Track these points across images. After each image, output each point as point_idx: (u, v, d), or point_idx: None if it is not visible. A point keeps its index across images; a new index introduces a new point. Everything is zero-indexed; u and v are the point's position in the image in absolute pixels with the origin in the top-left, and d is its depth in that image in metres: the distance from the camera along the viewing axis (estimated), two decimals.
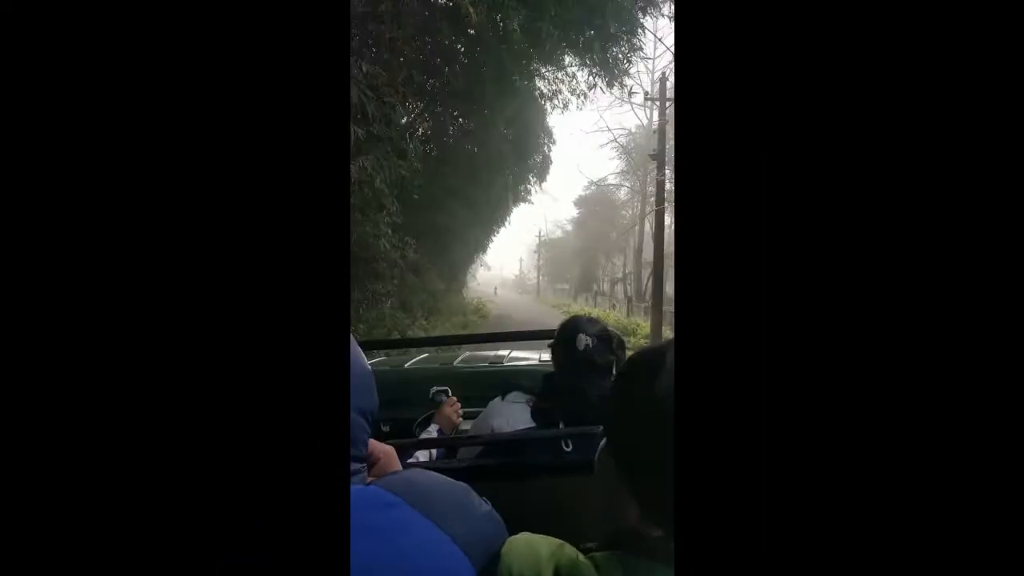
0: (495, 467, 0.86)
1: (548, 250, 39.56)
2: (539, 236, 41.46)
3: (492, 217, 12.64)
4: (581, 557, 0.38)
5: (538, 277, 42.01)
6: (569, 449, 0.89)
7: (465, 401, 1.21)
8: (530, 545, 0.40)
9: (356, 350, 0.47)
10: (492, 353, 1.94)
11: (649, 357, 0.39)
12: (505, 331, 1.28)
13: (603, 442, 0.43)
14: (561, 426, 0.94)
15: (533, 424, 0.95)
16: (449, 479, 0.45)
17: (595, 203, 27.76)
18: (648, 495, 0.37)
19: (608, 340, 0.96)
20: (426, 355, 1.93)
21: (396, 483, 0.41)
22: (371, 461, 0.52)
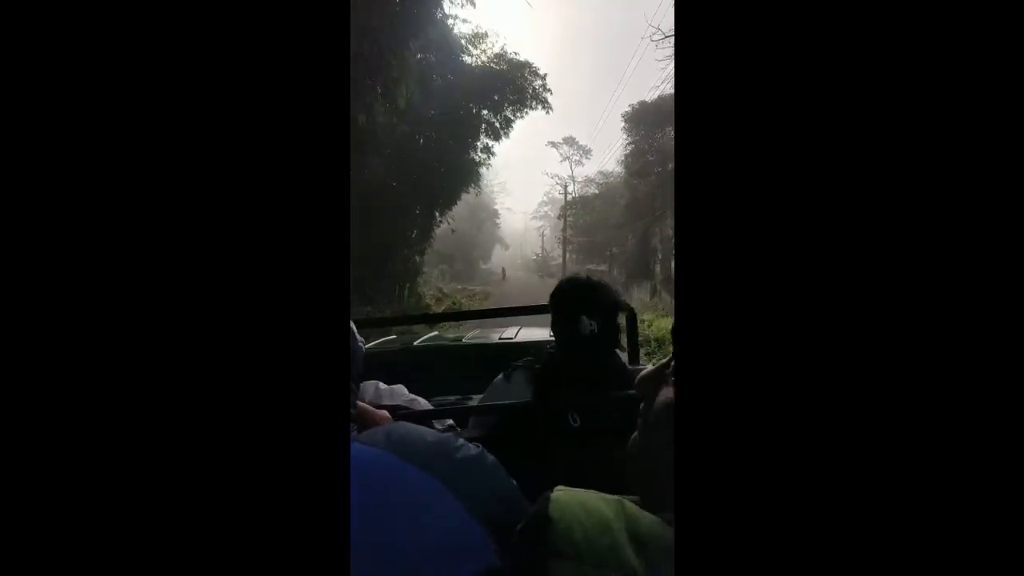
0: (501, 439, 0.85)
1: (578, 214, 27.21)
2: (565, 193, 29.13)
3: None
4: (648, 515, 0.36)
5: (564, 254, 29.88)
6: (576, 424, 0.86)
7: (474, 379, 1.23)
8: (585, 506, 0.36)
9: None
10: (502, 331, 1.98)
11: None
12: (509, 306, 1.27)
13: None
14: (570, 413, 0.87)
15: (538, 399, 0.92)
16: (430, 430, 0.47)
17: (655, 121, 15.65)
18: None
19: (613, 317, 0.88)
20: (435, 333, 2.08)
21: (376, 436, 0.44)
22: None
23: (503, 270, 32.81)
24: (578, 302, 0.89)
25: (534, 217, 60.71)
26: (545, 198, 61.37)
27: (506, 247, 52.11)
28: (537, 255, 46.69)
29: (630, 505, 0.37)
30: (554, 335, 0.95)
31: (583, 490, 0.39)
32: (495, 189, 57.06)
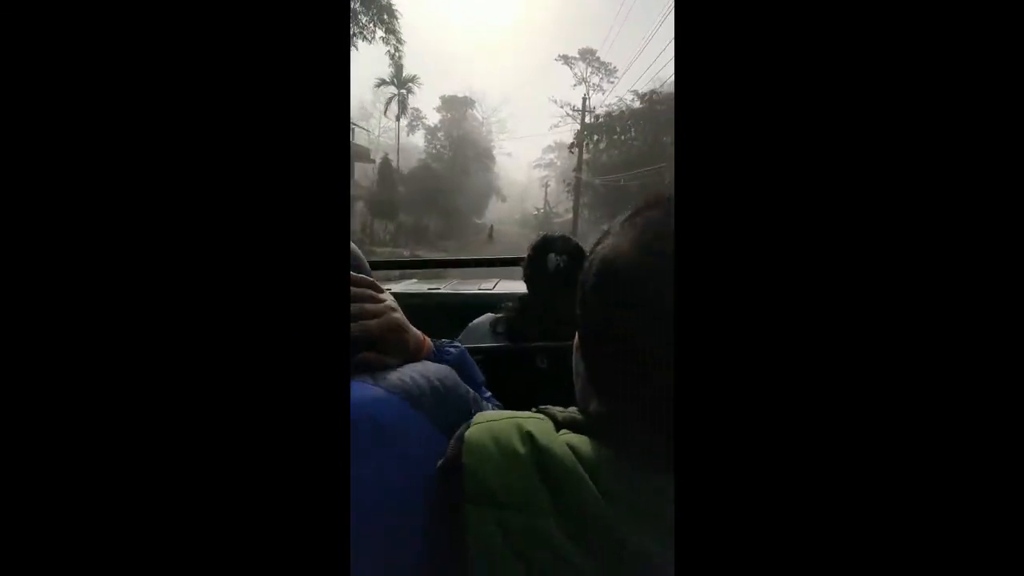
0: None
1: (597, 153, 19.37)
2: (583, 115, 21.10)
3: None
4: (555, 440, 0.37)
5: (576, 206, 22.11)
6: (544, 366, 0.91)
7: (450, 327, 1.23)
8: (499, 442, 0.37)
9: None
10: (479, 283, 2.05)
11: (615, 252, 0.38)
12: (479, 257, 1.39)
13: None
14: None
15: (509, 343, 0.99)
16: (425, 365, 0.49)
17: None
18: (603, 382, 0.39)
19: (580, 258, 0.92)
20: (414, 280, 2.14)
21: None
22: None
23: (490, 228, 25.23)
24: (548, 242, 0.98)
25: (537, 165, 52.22)
26: (552, 143, 52.85)
27: (503, 199, 44.18)
28: (539, 210, 38.80)
29: (543, 433, 0.37)
30: (525, 276, 1.00)
31: (500, 419, 0.38)
32: (492, 128, 48.75)
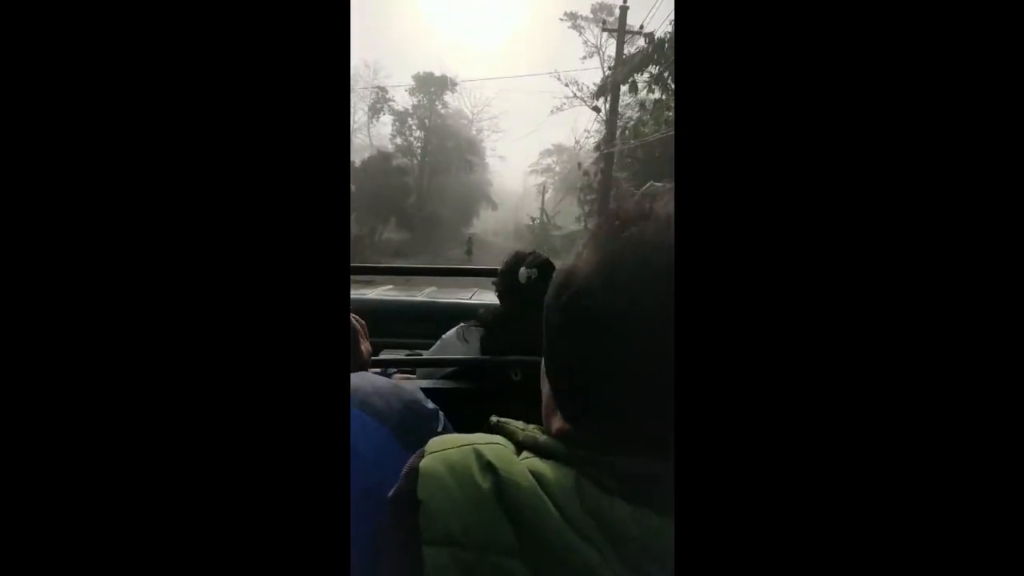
0: (446, 391, 0.94)
1: (627, 155, 12.93)
2: (600, 100, 14.93)
3: None
4: (516, 467, 0.34)
5: (583, 214, 16.01)
6: (518, 378, 0.98)
7: (425, 333, 1.38)
8: (455, 472, 0.34)
9: None
10: (455, 292, 2.21)
11: (575, 272, 0.37)
12: (455, 266, 1.37)
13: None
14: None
15: (483, 355, 1.03)
16: (382, 378, 0.49)
17: None
18: (568, 402, 0.38)
19: (550, 270, 0.97)
20: (390, 287, 2.39)
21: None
22: None
23: (469, 241, 19.05)
24: (520, 257, 1.03)
25: (533, 171, 46.50)
26: (551, 147, 46.97)
27: (494, 207, 38.08)
28: (534, 220, 32.63)
29: (504, 461, 0.35)
30: (497, 291, 1.05)
31: (457, 446, 0.36)
32: (483, 127, 42.98)
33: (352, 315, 0.59)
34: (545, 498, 0.32)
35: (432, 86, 29.60)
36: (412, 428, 0.43)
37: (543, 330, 0.40)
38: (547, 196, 35.38)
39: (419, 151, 29.07)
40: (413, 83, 29.65)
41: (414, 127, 28.49)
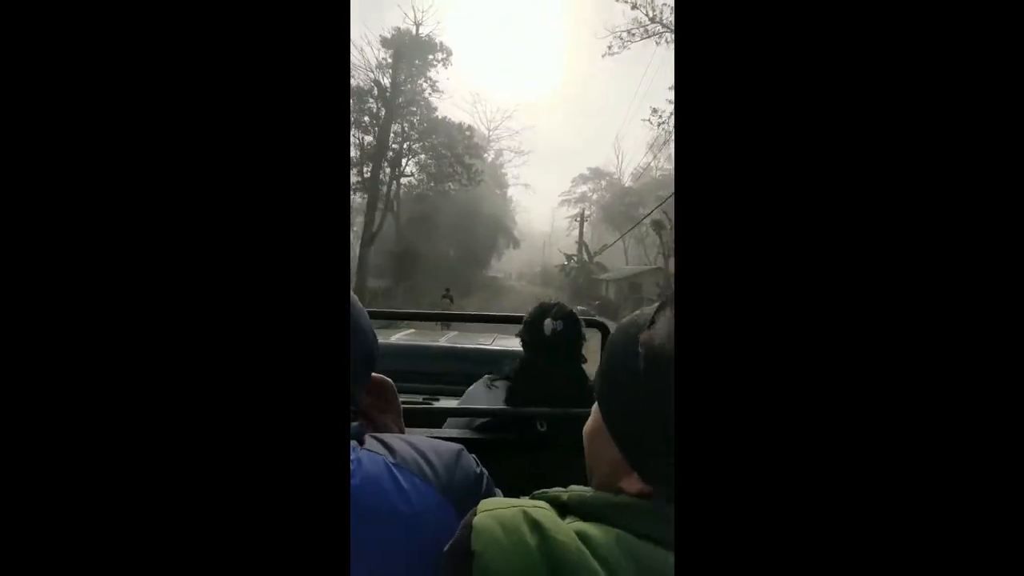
0: (474, 441, 0.94)
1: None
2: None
3: None
4: (562, 529, 0.37)
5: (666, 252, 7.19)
6: (543, 429, 0.95)
7: (448, 378, 1.38)
8: (506, 529, 0.37)
9: (357, 306, 0.52)
10: (476, 337, 2.12)
11: (633, 328, 0.40)
12: (478, 312, 1.07)
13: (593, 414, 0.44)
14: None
15: (507, 406, 1.02)
16: (439, 440, 0.50)
17: None
18: (650, 464, 0.38)
19: (575, 323, 0.97)
20: (412, 331, 2.16)
21: (377, 446, 0.46)
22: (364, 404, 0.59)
23: (447, 295, 10.42)
24: (545, 309, 1.01)
25: (564, 201, 39.19)
26: (587, 171, 39.68)
27: (515, 244, 30.56)
28: (570, 260, 24.60)
29: (549, 521, 0.37)
30: (522, 341, 1.03)
31: (508, 508, 0.39)
32: (501, 153, 36.28)
33: (383, 377, 0.61)
34: (590, 557, 0.35)
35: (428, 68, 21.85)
36: (461, 490, 0.45)
37: (603, 390, 0.42)
38: (587, 224, 27.65)
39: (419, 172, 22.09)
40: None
41: (412, 131, 21.26)
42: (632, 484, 0.39)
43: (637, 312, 0.42)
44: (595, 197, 34.49)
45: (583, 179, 37.08)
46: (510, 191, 34.04)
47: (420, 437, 0.50)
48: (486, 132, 32.46)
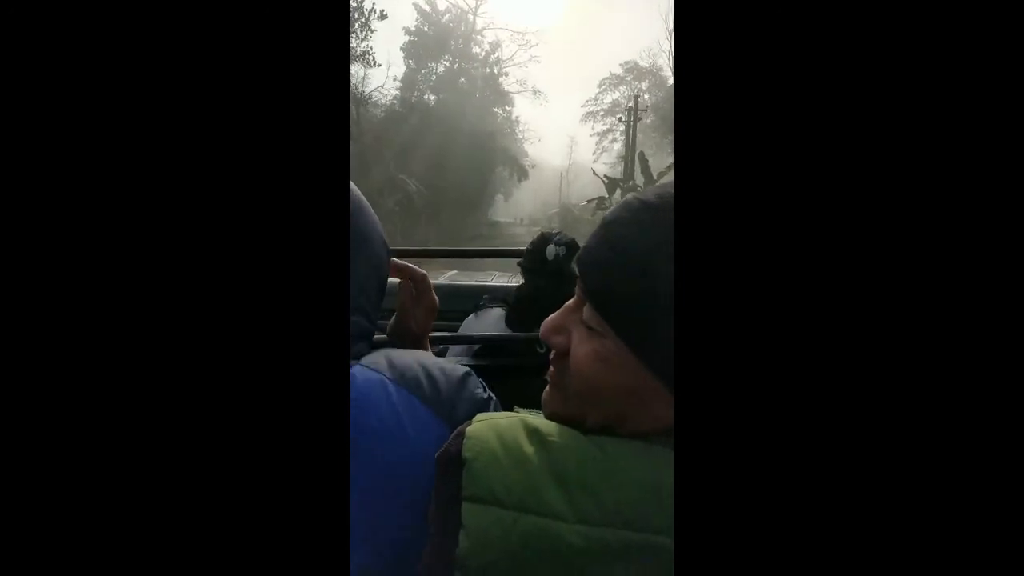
0: (475, 367, 0.91)
1: None
2: None
3: None
4: (570, 434, 0.35)
5: None
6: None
7: (450, 315, 1.31)
8: (503, 439, 0.35)
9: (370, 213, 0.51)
10: (474, 274, 2.24)
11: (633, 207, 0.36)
12: (482, 248, 1.57)
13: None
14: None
15: (507, 331, 1.03)
16: (447, 361, 0.49)
17: None
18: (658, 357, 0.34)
19: (576, 249, 0.96)
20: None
21: (379, 361, 0.44)
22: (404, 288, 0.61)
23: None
24: (547, 236, 1.01)
25: (589, 113, 28.83)
26: (620, 70, 28.90)
27: (523, 175, 21.29)
28: (614, 187, 15.14)
29: (553, 432, 0.35)
30: (523, 267, 1.04)
31: (505, 418, 0.37)
32: (499, 45, 25.97)
33: (410, 264, 0.61)
34: (602, 457, 0.33)
35: None
36: (466, 414, 0.42)
37: (634, 319, 0.35)
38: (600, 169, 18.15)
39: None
40: None
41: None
42: (665, 409, 0.34)
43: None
44: (643, 99, 24.44)
45: (615, 81, 26.84)
46: (515, 105, 24.29)
47: (428, 355, 0.48)
48: (470, 8, 22.35)
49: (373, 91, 18.52)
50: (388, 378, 0.42)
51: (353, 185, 0.48)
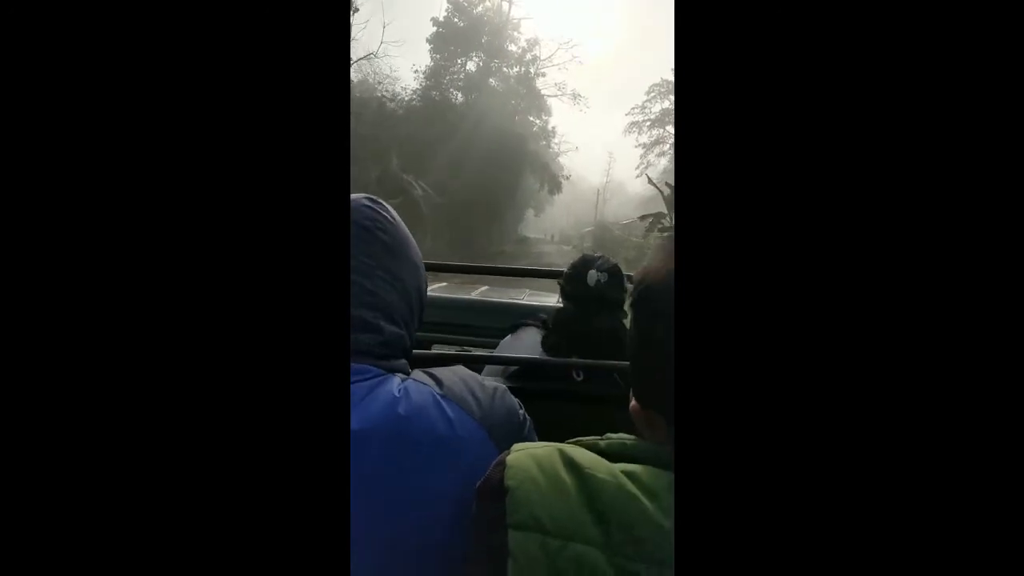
0: (511, 390, 0.88)
1: None
2: None
3: None
4: (603, 467, 0.36)
5: None
6: (580, 378, 0.96)
7: (482, 331, 1.42)
8: (543, 469, 0.36)
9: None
10: (506, 291, 2.15)
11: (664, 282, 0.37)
12: (518, 266, 1.31)
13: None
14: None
15: (543, 354, 1.03)
16: (486, 378, 0.52)
17: None
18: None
19: (619, 276, 0.97)
20: (444, 284, 2.15)
21: (425, 378, 0.47)
22: None
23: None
24: (588, 260, 1.01)
25: (633, 123, 26.04)
26: (672, 75, 26.29)
27: (557, 188, 18.57)
28: (671, 187, 12.08)
29: (588, 460, 0.36)
30: (563, 291, 1.02)
31: (542, 448, 0.38)
32: (537, 42, 23.55)
33: None
34: (635, 492, 0.34)
35: None
36: (504, 428, 0.46)
37: (635, 342, 0.40)
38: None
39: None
40: None
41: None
42: (660, 427, 0.38)
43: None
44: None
45: (667, 89, 23.97)
46: (552, 112, 21.75)
47: (467, 371, 0.51)
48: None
49: (384, 79, 16.35)
50: (438, 393, 0.45)
51: (386, 204, 0.51)
